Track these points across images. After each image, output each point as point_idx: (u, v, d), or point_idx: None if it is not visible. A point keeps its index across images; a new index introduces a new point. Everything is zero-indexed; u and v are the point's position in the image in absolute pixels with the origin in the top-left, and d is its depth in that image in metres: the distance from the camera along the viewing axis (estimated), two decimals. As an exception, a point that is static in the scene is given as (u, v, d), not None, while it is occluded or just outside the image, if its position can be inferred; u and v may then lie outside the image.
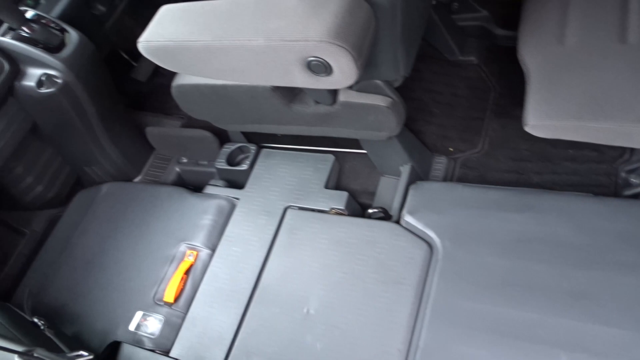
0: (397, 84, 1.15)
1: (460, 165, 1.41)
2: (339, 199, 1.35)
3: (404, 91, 1.19)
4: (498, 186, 1.25)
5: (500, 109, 1.48)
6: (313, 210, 1.35)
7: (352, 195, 1.37)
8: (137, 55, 1.39)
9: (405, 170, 1.35)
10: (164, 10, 1.08)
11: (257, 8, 1.00)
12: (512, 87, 1.50)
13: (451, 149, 1.45)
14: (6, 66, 1.30)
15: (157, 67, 1.10)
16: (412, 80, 1.21)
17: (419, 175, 1.38)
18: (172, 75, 1.22)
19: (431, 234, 1.18)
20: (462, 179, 1.38)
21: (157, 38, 1.05)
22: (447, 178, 1.40)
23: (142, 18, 1.15)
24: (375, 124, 1.19)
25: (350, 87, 1.15)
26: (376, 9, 0.95)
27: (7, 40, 1.30)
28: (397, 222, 1.26)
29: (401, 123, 1.20)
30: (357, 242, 1.24)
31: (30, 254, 1.59)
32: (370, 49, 0.98)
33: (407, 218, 1.23)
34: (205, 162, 1.63)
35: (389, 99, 1.14)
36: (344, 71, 0.93)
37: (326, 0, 0.92)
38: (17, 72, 1.34)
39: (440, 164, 1.43)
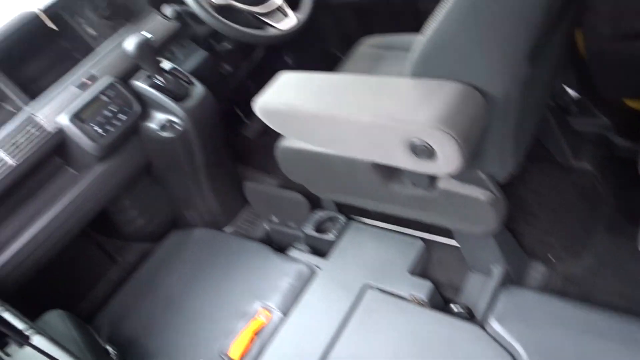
0: (501, 180, 1.10)
1: (560, 277, 1.30)
2: (422, 287, 1.28)
3: (507, 188, 1.13)
4: (602, 309, 1.12)
5: (612, 223, 1.36)
6: (393, 294, 1.30)
7: (436, 286, 1.30)
8: (250, 114, 1.47)
9: (497, 270, 1.27)
10: (283, 76, 1.15)
11: (371, 85, 1.03)
12: (629, 203, 1.37)
13: (551, 257, 1.34)
14: (137, 108, 1.43)
15: (266, 127, 1.16)
16: (517, 177, 1.15)
17: (511, 279, 1.28)
18: (278, 136, 1.27)
19: (518, 347, 1.08)
20: (561, 293, 1.26)
21: (271, 101, 1.10)
22: (543, 288, 1.28)
23: (261, 81, 1.23)
24: (472, 217, 1.14)
25: (452, 176, 1.12)
26: (489, 102, 0.93)
27: (143, 85, 1.44)
28: (481, 325, 1.16)
29: (500, 220, 1.13)
30: (434, 338, 1.16)
31: (118, 282, 1.67)
32: (478, 141, 0.95)
33: (494, 324, 1.13)
34: (294, 225, 1.65)
35: (490, 194, 1.09)
36: (447, 158, 0.91)
37: (439, 87, 0.92)
38: (144, 114, 1.47)
39: (537, 271, 1.32)
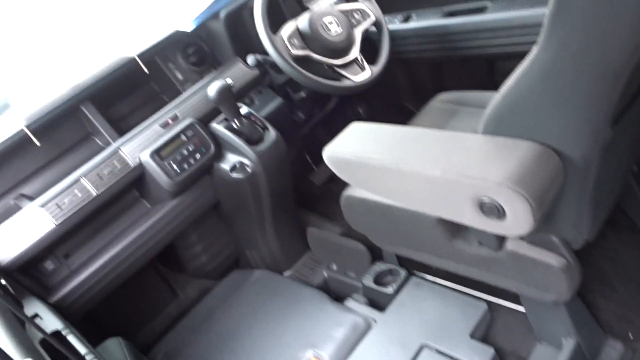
0: (576, 246, 1.04)
1: (641, 359, 1.19)
2: (484, 354, 1.21)
3: (583, 255, 1.07)
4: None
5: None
6: (451, 357, 1.23)
7: (499, 354, 1.23)
8: (319, 161, 1.50)
9: (568, 344, 1.18)
10: (354, 126, 1.17)
11: (442, 140, 1.03)
12: None
13: (631, 336, 1.23)
14: (213, 149, 1.50)
15: (333, 174, 1.18)
16: (594, 244, 1.08)
17: (584, 356, 1.18)
18: (344, 184, 1.28)
19: None
20: (641, 376, 1.15)
21: (341, 150, 1.12)
22: (620, 369, 1.17)
23: (332, 129, 1.26)
24: (543, 283, 1.08)
25: (522, 237, 1.08)
26: (566, 164, 0.89)
27: (220, 128, 1.52)
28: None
29: (573, 290, 1.06)
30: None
31: (177, 315, 1.71)
32: (552, 203, 0.91)
33: (561, 402, 1.04)
34: (353, 275, 1.63)
35: (564, 260, 1.03)
36: (518, 220, 0.88)
37: (513, 145, 0.90)
38: (218, 155, 1.53)
39: (613, 349, 1.21)
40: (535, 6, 1.45)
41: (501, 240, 1.09)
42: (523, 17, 1.47)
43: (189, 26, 1.61)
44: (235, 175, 1.53)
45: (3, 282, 1.22)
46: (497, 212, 0.89)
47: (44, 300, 1.31)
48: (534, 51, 0.80)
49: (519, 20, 1.48)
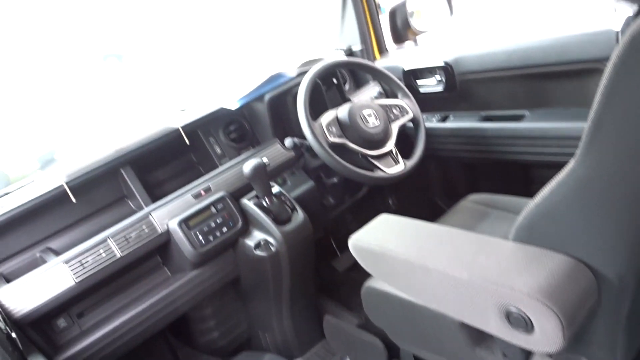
0: (608, 372, 0.97)
1: None
2: None
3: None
4: None
5: None
6: None
7: None
8: (344, 247, 1.48)
9: None
10: (383, 217, 1.16)
11: (470, 241, 1.00)
12: None
13: None
14: (240, 224, 1.51)
15: (357, 263, 1.16)
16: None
17: None
18: (367, 275, 1.26)
19: None
20: None
21: (367, 239, 1.11)
22: None
23: (360, 217, 1.25)
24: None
25: (550, 355, 1.01)
26: (600, 281, 0.85)
27: (250, 204, 1.54)
28: None
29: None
30: None
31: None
32: (584, 323, 0.87)
33: None
34: (367, 372, 1.55)
35: (595, 386, 0.96)
36: (546, 336, 0.83)
37: (545, 256, 0.87)
38: (245, 231, 1.54)
39: None
40: (574, 120, 1.47)
41: (527, 355, 1.03)
42: (561, 129, 1.49)
43: (234, 105, 1.69)
44: (258, 252, 1.52)
45: (14, 335, 1.21)
46: (524, 324, 0.85)
47: (50, 358, 1.28)
48: (571, 164, 0.79)
49: (556, 131, 1.50)
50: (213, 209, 1.49)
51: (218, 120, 1.74)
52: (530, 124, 1.58)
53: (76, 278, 1.31)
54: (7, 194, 1.45)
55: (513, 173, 1.74)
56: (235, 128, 1.76)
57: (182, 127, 1.64)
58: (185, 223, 1.45)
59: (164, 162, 1.67)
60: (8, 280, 1.31)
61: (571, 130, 1.46)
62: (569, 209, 0.83)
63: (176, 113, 1.74)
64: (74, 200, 1.47)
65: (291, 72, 1.76)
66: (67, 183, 1.45)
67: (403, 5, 1.91)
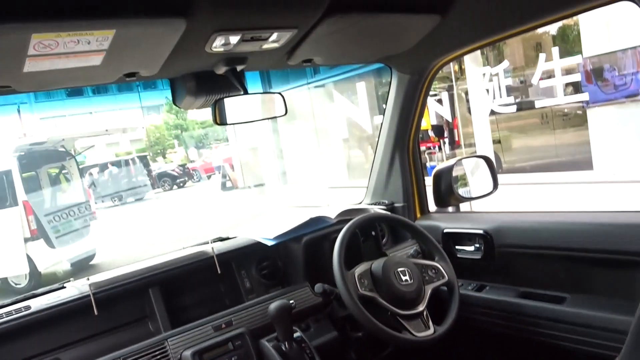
0: None
1: None
2: None
3: None
4: None
5: None
6: None
7: None
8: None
9: None
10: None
11: None
12: None
13: None
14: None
15: None
16: None
17: None
18: None
19: None
20: None
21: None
22: None
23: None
24: None
25: None
26: None
27: (268, 346, 1.47)
28: None
29: None
30: None
31: None
32: None
33: None
34: None
35: None
36: None
37: None
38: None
39: None
40: (619, 312, 1.40)
41: None
42: (605, 319, 1.41)
43: (271, 241, 1.71)
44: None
45: None
46: None
47: None
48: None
49: (600, 321, 1.42)
50: (230, 345, 1.44)
51: (252, 255, 1.75)
52: (571, 309, 1.51)
53: None
54: (35, 295, 1.46)
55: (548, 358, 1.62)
56: (267, 264, 1.77)
57: (217, 256, 1.66)
58: (199, 355, 1.39)
59: (192, 287, 1.66)
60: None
61: (615, 322, 1.38)
62: None
63: (213, 238, 1.77)
64: (96, 312, 1.45)
65: (332, 217, 1.80)
66: (93, 294, 1.46)
67: (449, 170, 1.98)
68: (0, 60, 1.07)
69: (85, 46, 1.06)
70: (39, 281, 6.79)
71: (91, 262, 7.59)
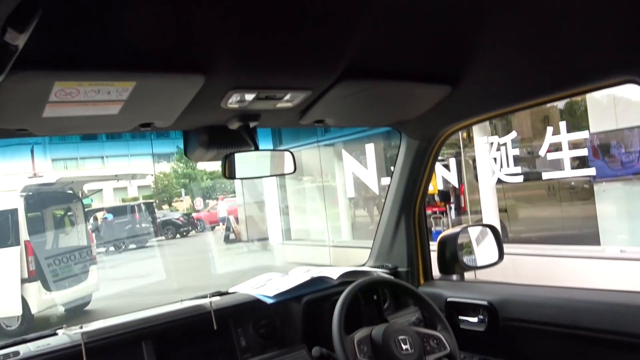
0: None
1: None
2: None
3: None
4: None
5: None
6: None
7: None
8: None
9: None
10: None
11: None
12: None
13: None
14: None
15: None
16: None
17: None
18: None
19: None
20: None
21: None
22: None
23: None
24: None
25: None
26: None
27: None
28: None
29: None
30: None
31: None
32: None
33: None
34: None
35: None
36: None
37: None
38: None
39: None
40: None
41: None
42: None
43: (271, 299, 1.68)
44: None
45: None
46: None
47: None
48: None
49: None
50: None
51: (251, 312, 1.71)
52: None
53: None
54: (25, 341, 1.42)
55: None
56: (265, 323, 1.72)
57: (215, 311, 1.62)
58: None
59: (186, 342, 1.61)
60: None
61: None
62: None
63: (212, 293, 1.74)
64: None
65: (334, 278, 1.77)
66: (85, 343, 1.42)
67: (454, 237, 1.96)
68: (21, 105, 1.10)
69: (105, 95, 1.09)
70: (31, 324, 6.65)
71: (85, 309, 7.45)
